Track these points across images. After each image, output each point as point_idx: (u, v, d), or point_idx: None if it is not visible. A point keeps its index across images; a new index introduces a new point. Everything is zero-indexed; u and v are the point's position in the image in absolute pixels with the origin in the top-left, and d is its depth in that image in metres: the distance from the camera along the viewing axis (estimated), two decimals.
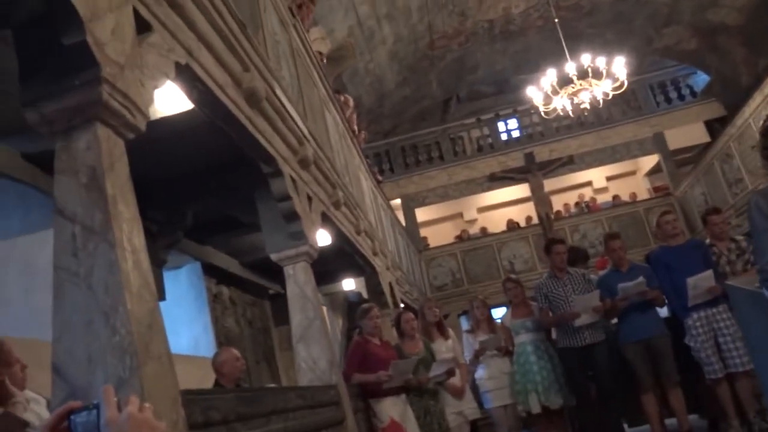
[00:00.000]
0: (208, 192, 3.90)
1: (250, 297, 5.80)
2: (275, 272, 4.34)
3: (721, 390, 4.49)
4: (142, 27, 1.86)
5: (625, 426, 5.06)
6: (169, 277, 4.52)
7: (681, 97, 13.43)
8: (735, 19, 11.09)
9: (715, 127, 12.25)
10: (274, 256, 3.52)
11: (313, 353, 3.36)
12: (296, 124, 3.57)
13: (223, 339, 4.87)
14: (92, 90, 1.56)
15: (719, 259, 4.64)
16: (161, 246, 4.13)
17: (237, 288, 5.54)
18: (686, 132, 12.97)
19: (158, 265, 4.11)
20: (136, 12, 1.80)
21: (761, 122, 2.25)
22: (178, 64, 2.10)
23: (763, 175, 8.24)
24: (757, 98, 8.77)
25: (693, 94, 13.43)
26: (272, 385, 4.72)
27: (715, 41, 11.91)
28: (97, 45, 1.55)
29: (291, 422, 2.47)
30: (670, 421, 4.80)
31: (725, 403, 4.49)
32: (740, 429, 4.43)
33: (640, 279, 4.68)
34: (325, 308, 6.97)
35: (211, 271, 5.03)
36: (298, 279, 3.51)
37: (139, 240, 1.62)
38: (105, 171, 1.56)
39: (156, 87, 1.88)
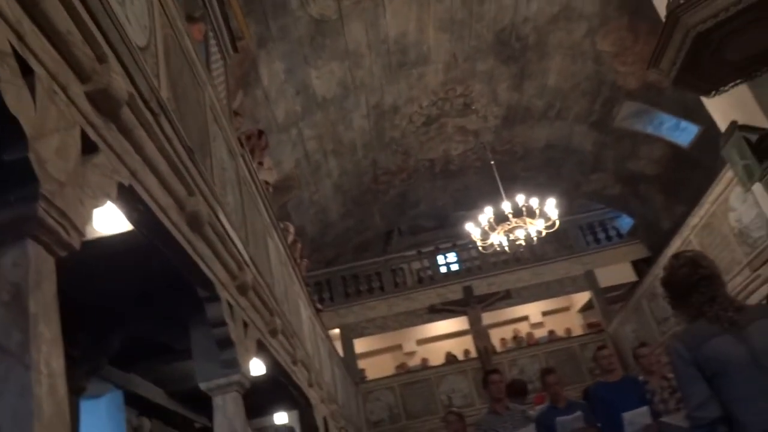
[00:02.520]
0: (140, 317, 3.75)
1: (173, 431, 5.40)
2: (203, 404, 4.10)
3: None
4: (89, 148, 1.89)
5: None
6: (86, 406, 4.19)
7: (609, 238, 14.23)
8: (653, 169, 12.11)
9: (641, 267, 12.90)
10: (203, 385, 3.34)
11: None
12: (237, 249, 3.56)
13: None
14: (28, 206, 1.54)
15: (653, 396, 4.71)
16: (82, 372, 3.88)
17: (160, 420, 5.17)
18: (615, 271, 13.58)
19: (76, 392, 3.83)
20: (83, 133, 1.83)
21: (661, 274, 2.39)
22: (120, 185, 2.11)
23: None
24: (676, 241, 9.36)
25: (619, 235, 14.26)
26: None
27: (637, 188, 12.88)
28: (39, 162, 1.55)
29: None
30: None
31: None
32: None
33: (578, 413, 4.67)
34: None
35: (133, 401, 4.70)
36: (228, 410, 3.32)
37: (57, 364, 1.53)
38: (30, 289, 1.50)
39: (96, 206, 1.87)
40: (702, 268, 2.23)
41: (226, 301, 3.35)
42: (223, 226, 3.28)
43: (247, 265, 3.75)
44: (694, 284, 2.21)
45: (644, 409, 4.52)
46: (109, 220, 2.57)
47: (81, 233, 1.72)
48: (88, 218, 1.79)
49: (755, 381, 2.04)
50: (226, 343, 3.29)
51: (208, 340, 3.29)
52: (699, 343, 2.13)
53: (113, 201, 2.09)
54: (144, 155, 2.36)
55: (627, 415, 4.47)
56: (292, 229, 8.00)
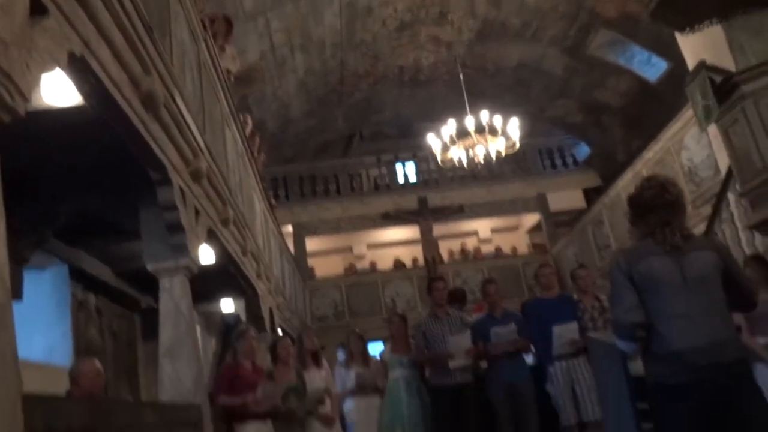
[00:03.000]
0: (88, 193, 3.70)
1: (119, 308, 5.49)
2: (150, 285, 4.16)
3: None
4: (38, 9, 1.79)
5: None
6: (30, 278, 4.20)
7: (565, 164, 14.51)
8: (617, 101, 12.21)
9: (592, 195, 13.28)
10: (151, 266, 3.38)
11: (179, 370, 3.24)
12: (193, 135, 3.50)
13: (82, 350, 4.55)
14: None
15: (584, 314, 5.00)
16: (26, 243, 3.85)
17: (106, 297, 5.23)
18: (566, 196, 13.95)
19: (18, 262, 3.82)
20: None
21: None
22: (72, 55, 2.02)
23: (627, 239, 8.98)
24: (628, 174, 9.63)
25: (575, 162, 14.55)
26: (127, 399, 4.47)
27: (599, 118, 13.02)
28: None
29: None
30: None
31: None
32: None
33: (512, 326, 4.94)
34: (198, 327, 6.72)
35: (79, 276, 4.72)
36: (174, 293, 3.39)
37: None
38: None
39: (43, 72, 1.80)
40: (668, 193, 2.33)
41: (179, 186, 3.33)
42: (179, 110, 3.20)
43: (203, 153, 3.70)
44: (655, 206, 2.33)
45: (573, 324, 4.81)
46: (60, 92, 2.47)
47: (26, 98, 1.66)
48: (34, 84, 1.72)
49: (683, 302, 2.20)
50: (176, 227, 3.31)
51: (158, 223, 3.29)
52: (638, 259, 2.27)
53: (63, 69, 2.01)
54: (99, 25, 2.25)
55: (557, 329, 4.77)
56: (251, 121, 7.86)
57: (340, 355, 5.89)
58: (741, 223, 5.64)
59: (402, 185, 14.26)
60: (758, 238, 5.41)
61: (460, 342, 4.93)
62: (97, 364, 3.54)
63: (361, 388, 5.21)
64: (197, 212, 3.73)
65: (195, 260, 3.49)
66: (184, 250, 3.36)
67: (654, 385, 2.21)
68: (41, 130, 2.84)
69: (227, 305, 6.69)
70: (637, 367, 3.28)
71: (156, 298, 3.56)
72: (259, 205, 7.12)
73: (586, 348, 4.56)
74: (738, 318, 4.73)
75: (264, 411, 4.14)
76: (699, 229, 6.42)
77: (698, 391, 2.10)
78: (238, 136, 5.76)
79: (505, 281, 11.71)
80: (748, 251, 5.58)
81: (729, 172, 5.70)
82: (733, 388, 2.11)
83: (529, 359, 5.38)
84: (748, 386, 2.15)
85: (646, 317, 2.23)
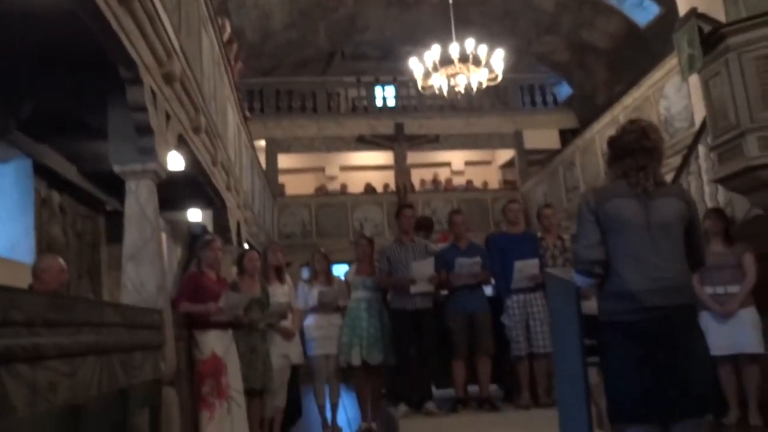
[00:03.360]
0: (55, 87, 3.56)
1: (83, 208, 5.41)
2: (116, 187, 4.09)
3: (521, 367, 5.02)
4: None
5: (433, 387, 5.44)
6: None
7: (545, 103, 14.45)
8: (604, 43, 12.06)
9: (567, 136, 13.33)
10: (117, 168, 3.31)
11: (142, 275, 3.24)
12: (167, 33, 3.35)
13: (45, 247, 4.51)
14: None
15: (545, 252, 5.12)
16: None
17: (71, 197, 5.14)
18: (542, 135, 13.98)
19: None
20: None
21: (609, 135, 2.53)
22: None
23: (598, 182, 9.12)
24: (606, 118, 9.65)
25: (555, 102, 14.50)
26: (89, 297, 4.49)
27: (584, 59, 12.88)
28: None
29: (103, 337, 2.37)
30: (473, 388, 5.25)
31: (522, 378, 5.03)
32: (529, 401, 4.98)
33: (477, 259, 5.03)
34: (164, 235, 6.70)
35: (43, 172, 4.61)
36: (140, 196, 3.34)
37: None
38: None
39: None
40: (648, 139, 2.35)
41: (150, 86, 3.22)
42: (153, 5, 3.05)
43: (177, 54, 3.56)
44: (634, 150, 2.35)
45: (535, 261, 4.94)
46: None
47: None
48: None
49: (643, 244, 2.27)
50: (144, 129, 3.22)
51: (126, 124, 3.20)
52: (607, 199, 2.31)
53: None
54: None
55: (518, 264, 4.89)
56: (229, 27, 7.56)
57: (305, 274, 5.96)
58: (707, 176, 5.75)
59: (379, 109, 14.08)
60: (721, 192, 5.54)
61: (423, 268, 5.01)
62: (60, 260, 3.52)
63: (323, 306, 5.31)
64: (168, 116, 3.63)
65: (163, 165, 3.43)
66: (152, 154, 3.29)
67: (605, 322, 2.30)
68: (8, 18, 2.70)
69: (194, 215, 6.66)
70: (588, 306, 3.41)
71: (122, 201, 3.51)
72: (233, 116, 6.97)
73: (544, 285, 4.69)
74: None
75: (226, 321, 4.21)
76: (668, 177, 6.54)
77: (646, 330, 2.20)
78: (215, 41, 5.55)
79: (473, 214, 11.88)
80: (710, 205, 5.72)
81: (703, 125, 5.75)
82: (679, 330, 2.21)
83: (489, 291, 5.53)
84: (692, 330, 2.25)
85: (607, 256, 2.29)
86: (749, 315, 4.77)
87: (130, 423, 2.52)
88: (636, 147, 2.34)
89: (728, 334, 4.76)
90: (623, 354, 2.22)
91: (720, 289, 4.84)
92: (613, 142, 2.45)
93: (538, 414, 4.68)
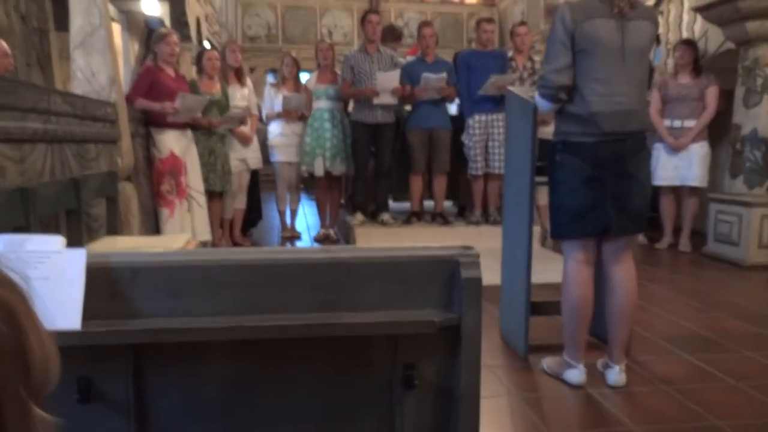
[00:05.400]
0: None
1: None
2: None
3: (476, 185, 5.19)
4: None
5: (390, 201, 5.64)
6: None
7: None
8: None
9: None
10: None
11: (93, 65, 3.09)
12: None
13: None
14: None
15: (514, 73, 5.03)
16: None
17: None
18: None
19: None
20: None
21: None
22: None
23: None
24: None
25: None
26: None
27: None
28: None
29: (53, 126, 2.31)
30: (428, 203, 5.46)
31: (476, 196, 5.23)
32: (480, 218, 5.23)
33: (443, 75, 4.92)
34: (119, 26, 6.30)
35: None
36: None
37: None
38: None
39: None
40: None
41: None
42: None
43: None
44: None
45: (511, 76, 4.85)
46: None
47: None
48: None
49: (613, 68, 2.24)
50: None
51: None
52: (584, 18, 2.23)
53: None
54: None
55: (494, 77, 4.78)
56: None
57: (270, 79, 5.76)
58: (689, 3, 5.56)
59: None
60: (699, 23, 5.40)
61: (388, 80, 4.90)
62: (3, 43, 3.30)
63: (287, 113, 5.22)
64: None
65: None
66: None
67: (560, 141, 2.34)
68: None
69: (150, 6, 6.21)
70: (545, 132, 3.43)
71: None
72: None
73: None
74: (653, 96, 4.95)
75: (184, 121, 4.13)
76: (648, 3, 6.29)
77: (599, 153, 2.25)
78: None
79: (445, 30, 11.44)
80: (685, 34, 5.60)
81: None
82: (630, 155, 2.27)
83: (453, 109, 5.51)
84: (640, 157, 2.31)
85: (573, 80, 2.26)
86: (700, 149, 4.92)
87: (86, 211, 2.56)
88: None
89: (676, 166, 4.96)
90: (572, 173, 2.28)
91: (677, 123, 4.94)
92: None
93: (487, 230, 4.95)
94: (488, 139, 5.07)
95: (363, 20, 5.15)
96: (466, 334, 1.23)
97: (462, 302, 1.21)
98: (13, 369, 0.39)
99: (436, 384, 1.28)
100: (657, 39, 5.35)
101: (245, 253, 1.22)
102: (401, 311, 1.20)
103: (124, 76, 5.85)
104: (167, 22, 6.18)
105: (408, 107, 5.26)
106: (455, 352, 1.25)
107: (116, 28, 6.20)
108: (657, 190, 5.05)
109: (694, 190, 5.01)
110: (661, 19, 6.03)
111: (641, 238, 5.12)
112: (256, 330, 1.14)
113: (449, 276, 1.22)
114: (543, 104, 2.39)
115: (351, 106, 5.29)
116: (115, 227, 2.87)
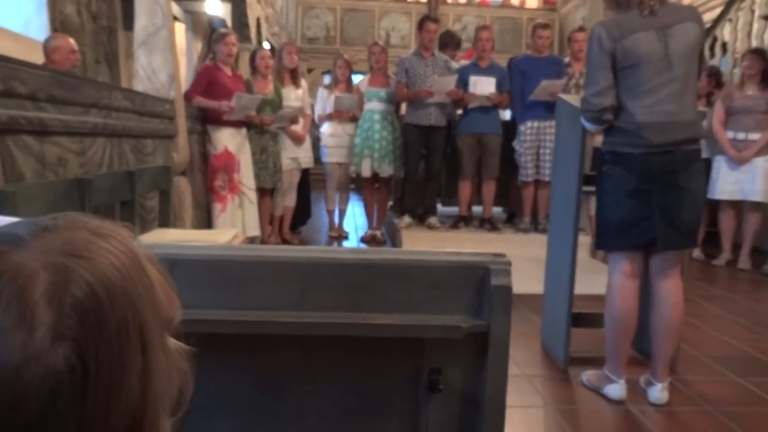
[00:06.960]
0: None
1: None
2: None
3: (526, 192, 5.13)
4: None
5: (439, 204, 5.63)
6: None
7: None
8: None
9: None
10: None
11: (154, 63, 3.21)
12: None
13: (59, 26, 4.42)
14: None
15: (570, 79, 4.94)
16: None
17: None
18: None
19: None
20: None
21: None
22: None
23: None
24: None
25: None
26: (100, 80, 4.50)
27: None
28: None
29: (113, 121, 2.42)
30: (477, 208, 5.42)
31: (525, 203, 5.17)
32: (529, 225, 5.16)
33: (491, 79, 4.89)
34: (183, 26, 6.52)
35: None
36: None
37: None
38: None
39: None
40: None
41: None
42: None
43: None
44: None
45: (561, 81, 4.77)
46: None
47: None
48: None
49: (660, 78, 2.18)
50: None
51: None
52: (623, 35, 2.18)
53: None
54: None
55: (545, 82, 4.72)
56: None
57: (326, 80, 5.84)
58: (759, 11, 5.34)
59: None
60: None
61: (445, 84, 4.90)
62: (71, 41, 3.48)
63: (339, 113, 5.29)
64: None
65: None
66: None
67: (608, 151, 2.29)
68: None
69: (214, 7, 6.40)
70: (596, 140, 3.37)
71: None
72: None
73: None
74: (716, 107, 4.78)
75: (238, 119, 4.24)
76: (713, 13, 6.09)
77: (647, 166, 2.19)
78: None
79: (504, 34, 11.33)
80: (755, 43, 5.38)
81: None
82: (680, 169, 2.20)
83: (507, 115, 5.45)
84: (693, 170, 2.24)
85: (618, 97, 2.22)
86: (764, 163, 4.72)
87: (140, 203, 2.67)
88: None
89: (737, 180, 4.76)
90: (617, 184, 2.24)
91: (741, 135, 4.75)
92: None
93: (535, 238, 4.86)
94: (540, 146, 5.00)
95: (420, 26, 5.16)
96: (494, 341, 1.22)
97: (491, 309, 1.21)
98: (150, 309, 0.45)
99: (462, 390, 1.28)
100: (711, 36, 5.12)
101: (278, 251, 1.25)
102: (430, 315, 1.21)
103: (187, 74, 6.06)
104: (229, 22, 6.35)
105: (459, 111, 5.25)
106: (483, 359, 1.24)
107: (181, 28, 6.43)
108: (717, 205, 4.87)
109: (756, 206, 4.80)
110: (728, 27, 5.82)
111: (698, 253, 4.94)
112: (287, 326, 1.17)
113: (479, 283, 1.22)
114: (589, 126, 2.37)
115: (404, 109, 5.31)
116: (167, 220, 2.98)
